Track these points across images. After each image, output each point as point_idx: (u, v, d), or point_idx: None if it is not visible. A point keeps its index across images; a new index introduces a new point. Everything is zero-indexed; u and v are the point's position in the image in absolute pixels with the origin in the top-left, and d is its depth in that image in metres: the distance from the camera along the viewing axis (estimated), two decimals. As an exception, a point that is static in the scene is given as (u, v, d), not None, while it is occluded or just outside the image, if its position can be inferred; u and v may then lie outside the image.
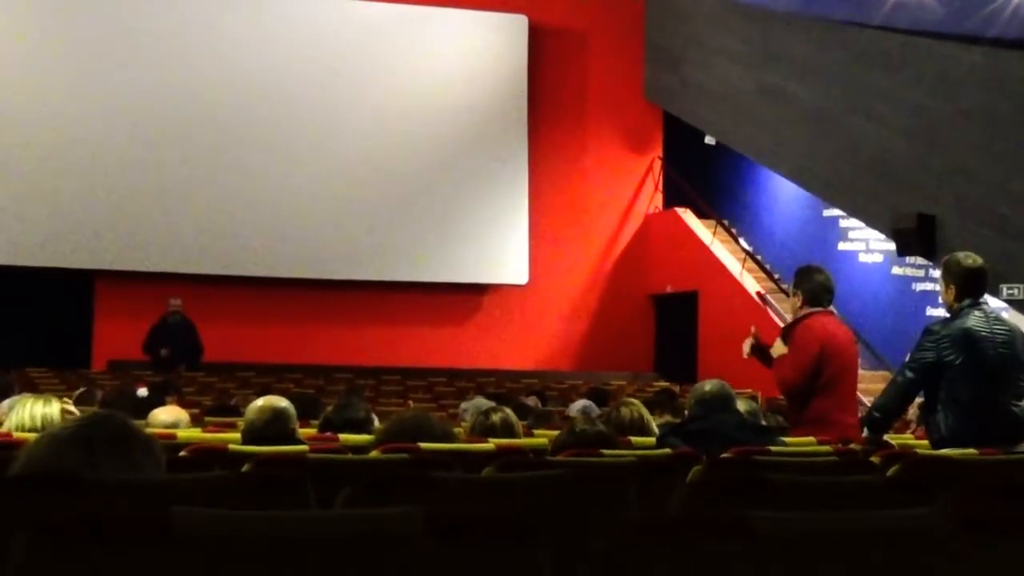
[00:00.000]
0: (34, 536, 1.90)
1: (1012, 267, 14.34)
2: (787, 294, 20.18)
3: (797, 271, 8.06)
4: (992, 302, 10.17)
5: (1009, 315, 12.27)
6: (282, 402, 5.68)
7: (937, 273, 7.12)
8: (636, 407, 6.87)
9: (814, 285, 7.81)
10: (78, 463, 2.79)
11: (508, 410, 6.53)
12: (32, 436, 4.03)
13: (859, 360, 8.05)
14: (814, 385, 7.55)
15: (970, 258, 6.87)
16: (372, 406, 8.19)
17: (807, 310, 7.77)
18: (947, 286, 6.85)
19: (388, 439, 4.94)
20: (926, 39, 15.92)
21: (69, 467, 2.78)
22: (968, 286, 6.80)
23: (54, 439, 2.90)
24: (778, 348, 7.79)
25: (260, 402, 5.68)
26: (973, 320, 6.70)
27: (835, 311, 7.89)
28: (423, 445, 4.81)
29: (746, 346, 7.99)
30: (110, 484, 2.76)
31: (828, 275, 7.94)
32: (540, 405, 12.76)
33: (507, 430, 6.19)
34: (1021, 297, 14.35)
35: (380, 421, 6.48)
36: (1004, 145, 14.90)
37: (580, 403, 13.32)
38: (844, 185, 17.85)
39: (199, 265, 20.35)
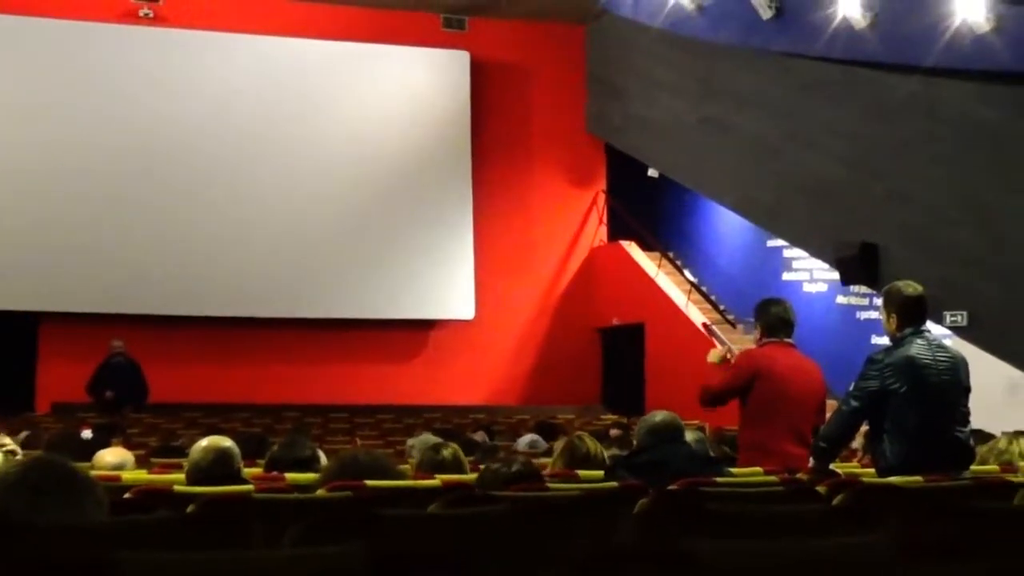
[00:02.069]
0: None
1: (954, 294, 14.41)
2: (732, 325, 20.43)
3: (757, 304, 8.28)
4: (935, 329, 10.24)
5: (952, 342, 12.38)
6: (226, 442, 5.67)
7: (880, 302, 7.16)
8: (585, 440, 6.88)
9: (770, 317, 8.10)
10: (22, 508, 2.77)
11: (456, 446, 6.54)
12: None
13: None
14: (746, 409, 7.87)
15: (910, 287, 6.91)
16: (320, 444, 8.17)
17: (764, 340, 8.01)
18: (888, 315, 6.90)
19: (333, 478, 4.92)
20: (864, 68, 16.04)
21: (13, 512, 2.75)
22: (909, 314, 6.85)
23: (-4, 484, 2.88)
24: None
25: (204, 442, 5.67)
26: (916, 348, 6.74)
27: (794, 344, 8.01)
28: (369, 483, 4.79)
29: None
30: (55, 528, 2.73)
31: (786, 307, 8.18)
32: (488, 440, 12.75)
33: (457, 466, 6.20)
34: (964, 324, 14.43)
35: (328, 459, 6.46)
36: (943, 172, 15.00)
37: (528, 437, 13.34)
38: (787, 215, 17.93)
39: (144, 305, 20.20)
